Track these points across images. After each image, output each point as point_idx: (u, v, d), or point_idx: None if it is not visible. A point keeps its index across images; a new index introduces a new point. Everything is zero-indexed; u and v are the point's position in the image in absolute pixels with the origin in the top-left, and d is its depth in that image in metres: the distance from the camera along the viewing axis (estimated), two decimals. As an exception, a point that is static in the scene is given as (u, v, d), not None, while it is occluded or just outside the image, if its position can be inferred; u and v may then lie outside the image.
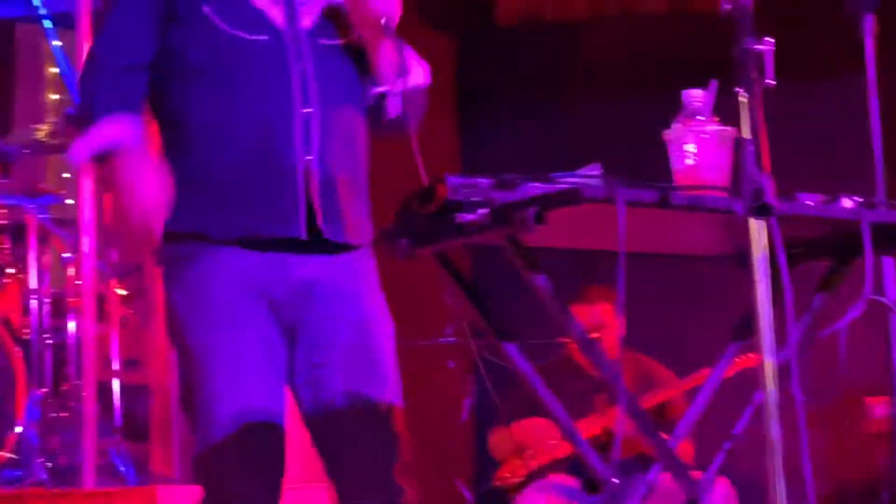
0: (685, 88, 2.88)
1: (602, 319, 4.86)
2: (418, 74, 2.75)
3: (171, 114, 2.65)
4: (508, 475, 4.96)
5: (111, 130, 2.55)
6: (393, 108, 2.72)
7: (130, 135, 2.56)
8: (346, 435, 2.61)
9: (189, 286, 2.60)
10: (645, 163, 2.89)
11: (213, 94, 2.60)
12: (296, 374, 2.64)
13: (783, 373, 2.32)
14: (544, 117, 6.42)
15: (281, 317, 2.62)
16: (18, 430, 4.68)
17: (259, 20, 2.63)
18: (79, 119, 2.61)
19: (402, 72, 2.68)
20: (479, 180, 2.64)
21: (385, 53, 2.67)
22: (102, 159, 2.56)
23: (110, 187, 2.57)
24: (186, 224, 2.59)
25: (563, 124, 6.38)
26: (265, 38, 2.62)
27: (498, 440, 5.06)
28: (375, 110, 2.73)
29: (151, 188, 2.52)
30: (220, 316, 2.58)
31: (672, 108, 2.88)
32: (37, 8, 5.29)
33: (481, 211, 2.59)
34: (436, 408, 5.55)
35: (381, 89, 2.70)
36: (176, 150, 2.63)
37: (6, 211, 5.09)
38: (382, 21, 2.63)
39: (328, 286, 2.63)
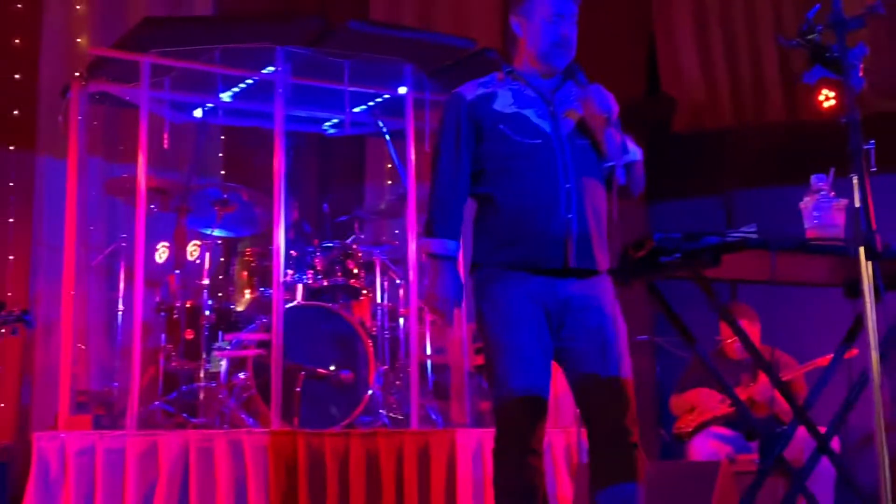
0: (813, 174, 2.83)
1: (743, 325, 4.74)
2: (636, 153, 2.73)
3: (482, 194, 2.74)
4: (683, 426, 4.88)
5: (441, 245, 2.68)
6: (621, 177, 2.67)
7: (451, 251, 2.67)
8: (595, 395, 2.59)
9: (493, 298, 2.66)
10: (786, 225, 2.84)
11: (507, 180, 2.67)
12: (560, 356, 2.66)
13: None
14: (707, 197, 6.21)
15: (551, 319, 2.64)
16: (370, 392, 4.73)
17: (536, 130, 2.68)
18: (426, 227, 2.72)
19: (624, 151, 2.66)
20: (673, 235, 2.65)
21: (611, 138, 2.64)
22: (431, 256, 2.69)
23: (429, 275, 2.69)
24: (493, 258, 2.67)
25: (720, 201, 6.18)
26: (539, 141, 2.67)
27: (676, 402, 4.99)
28: (610, 180, 2.70)
29: (451, 290, 2.63)
30: (513, 318, 2.62)
31: (805, 188, 2.83)
32: (381, 127, 5.43)
33: (676, 255, 2.61)
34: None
35: (610, 163, 2.66)
36: (486, 213, 2.73)
37: (362, 254, 5.23)
38: (607, 116, 2.63)
39: (580, 299, 2.64)
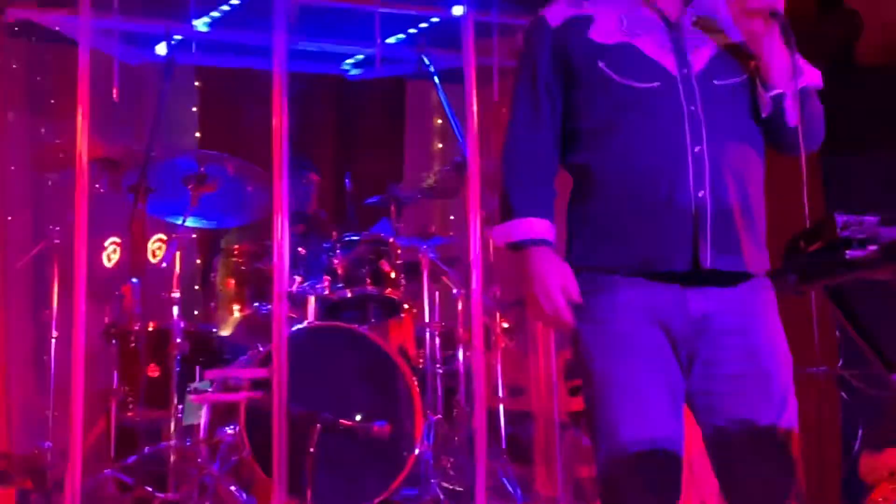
0: None
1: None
2: (812, 75, 2.70)
3: (576, 165, 2.75)
4: (881, 499, 4.81)
5: (527, 228, 2.70)
6: (791, 115, 2.64)
7: (543, 233, 2.70)
8: (742, 460, 2.59)
9: (594, 317, 2.67)
10: None
11: (611, 144, 2.67)
12: (693, 401, 2.66)
13: None
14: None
15: (678, 347, 2.63)
16: (415, 452, 4.75)
17: (651, 69, 2.67)
18: (501, 208, 2.76)
19: (795, 72, 2.61)
20: (866, 218, 2.60)
21: (776, 53, 2.61)
22: (517, 248, 2.71)
23: (522, 274, 2.71)
24: (592, 259, 2.68)
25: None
26: (657, 84, 2.65)
27: (869, 464, 4.91)
28: (775, 122, 2.68)
29: (556, 280, 2.65)
30: (622, 345, 2.63)
31: None
32: (427, 66, 5.44)
33: (870, 247, 2.56)
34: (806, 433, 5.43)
35: (775, 92, 2.64)
36: (583, 194, 2.73)
37: (401, 251, 5.25)
38: (769, 10, 2.59)
39: (721, 317, 2.63)
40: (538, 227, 2.70)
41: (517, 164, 2.75)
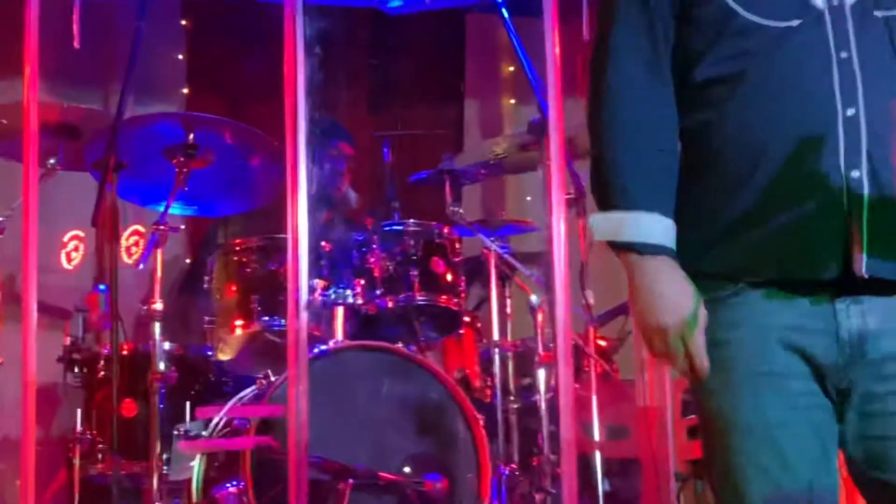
0: None
1: None
2: None
3: (686, 129, 2.75)
4: None
5: (644, 227, 2.68)
6: None
7: (664, 237, 2.68)
8: None
9: (712, 338, 2.66)
10: None
11: (733, 104, 2.67)
12: (850, 448, 2.65)
13: None
14: None
15: (827, 378, 2.63)
16: None
17: (789, 1, 2.65)
18: (598, 191, 2.73)
19: None
20: None
21: None
22: (624, 249, 2.69)
23: (631, 289, 2.69)
24: (707, 262, 2.68)
25: None
26: (796, 22, 2.64)
27: None
28: None
29: (676, 294, 2.64)
30: (751, 375, 2.63)
31: None
32: None
33: None
34: None
35: None
36: (693, 173, 2.73)
37: (460, 245, 5.30)
38: None
39: (884, 339, 2.62)
40: (659, 227, 2.68)
41: (628, 124, 2.73)
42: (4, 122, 5.00)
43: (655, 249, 2.67)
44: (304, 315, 4.58)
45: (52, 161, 5.08)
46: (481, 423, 4.86)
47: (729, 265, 2.66)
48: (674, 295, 2.65)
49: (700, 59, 2.71)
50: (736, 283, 2.65)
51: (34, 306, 4.54)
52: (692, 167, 2.73)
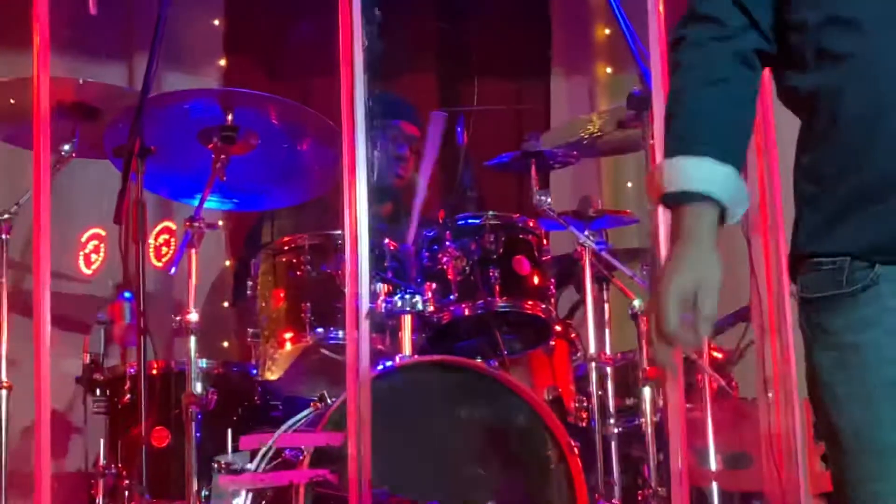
0: None
1: None
2: None
3: (800, 92, 2.75)
4: None
5: (692, 171, 2.71)
6: None
7: (712, 183, 2.69)
8: None
9: (837, 340, 2.68)
10: None
11: (858, 59, 2.66)
12: None
13: None
14: None
15: None
16: None
17: None
18: (668, 137, 2.78)
19: None
20: None
21: None
22: (670, 200, 2.72)
23: (670, 245, 2.73)
24: (832, 242, 2.67)
25: None
26: None
27: None
28: None
29: (700, 266, 2.65)
30: (890, 385, 2.62)
31: None
32: None
33: None
34: None
35: None
36: (810, 139, 2.73)
37: (548, 242, 5.31)
38: None
39: None
40: (710, 173, 2.70)
41: (694, 70, 2.78)
42: (11, 101, 5.02)
43: (697, 198, 2.69)
44: (365, 325, 4.58)
45: (66, 147, 5.12)
46: (576, 451, 4.85)
47: (856, 244, 2.65)
48: (691, 264, 2.65)
49: (807, 7, 2.73)
50: (864, 271, 2.64)
51: (47, 318, 4.55)
52: (808, 136, 2.74)
